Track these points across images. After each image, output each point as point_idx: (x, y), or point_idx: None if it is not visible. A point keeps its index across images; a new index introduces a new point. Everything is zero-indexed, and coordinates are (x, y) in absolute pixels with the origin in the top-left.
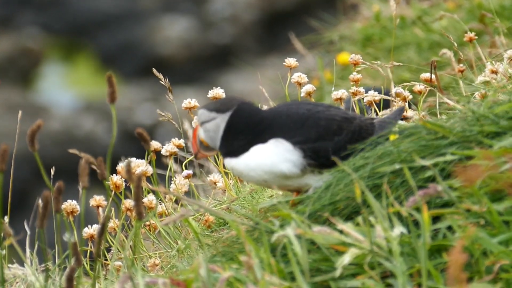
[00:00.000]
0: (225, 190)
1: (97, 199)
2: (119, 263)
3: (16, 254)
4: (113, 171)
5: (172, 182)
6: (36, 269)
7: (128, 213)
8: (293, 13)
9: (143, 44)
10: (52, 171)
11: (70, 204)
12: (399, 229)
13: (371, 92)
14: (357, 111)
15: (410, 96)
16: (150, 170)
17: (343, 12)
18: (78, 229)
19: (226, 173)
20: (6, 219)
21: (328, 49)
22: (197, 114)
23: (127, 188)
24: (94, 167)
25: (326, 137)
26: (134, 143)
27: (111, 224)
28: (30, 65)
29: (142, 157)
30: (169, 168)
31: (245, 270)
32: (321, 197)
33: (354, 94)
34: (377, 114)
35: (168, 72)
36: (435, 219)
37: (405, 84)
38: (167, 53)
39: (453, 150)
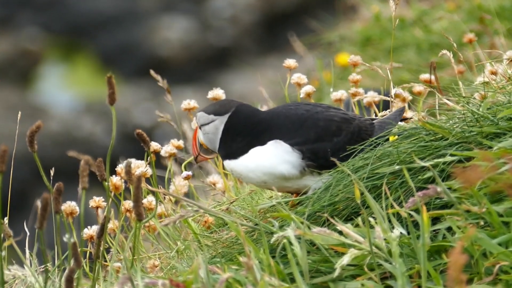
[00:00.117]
0: (224, 191)
1: (97, 200)
2: (118, 264)
3: (16, 255)
4: (113, 172)
5: (172, 183)
6: (36, 270)
7: (128, 214)
8: (293, 14)
9: (142, 44)
10: (52, 172)
11: (69, 205)
12: (398, 230)
13: (371, 93)
14: (356, 112)
15: (410, 97)
16: (149, 171)
17: (343, 13)
18: (78, 230)
19: (226, 174)
20: (6, 220)
21: (328, 50)
22: (196, 117)
23: (127, 189)
24: (93, 168)
25: (325, 138)
26: (133, 144)
27: (110, 225)
28: (29, 65)
29: (141, 158)
30: (168, 169)
31: (244, 271)
32: (321, 198)
33: (354, 95)
34: (376, 115)
35: (168, 72)
36: (435, 220)
37: (404, 85)
38: (167, 53)
39: (453, 151)
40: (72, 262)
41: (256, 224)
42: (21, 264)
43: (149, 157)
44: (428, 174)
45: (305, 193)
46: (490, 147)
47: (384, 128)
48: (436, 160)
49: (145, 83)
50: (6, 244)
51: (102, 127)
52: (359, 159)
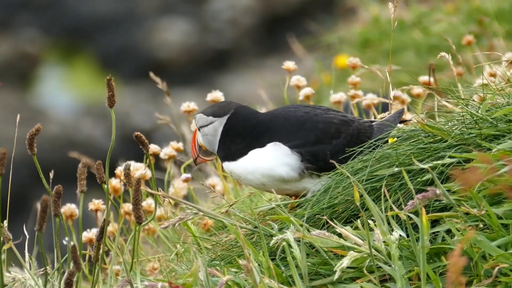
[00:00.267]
0: (223, 194)
1: (96, 203)
2: (118, 267)
3: (15, 258)
4: (112, 174)
5: (171, 185)
6: (35, 273)
7: (127, 217)
8: (292, 16)
9: (141, 47)
10: (51, 175)
11: (69, 208)
12: (398, 233)
13: (370, 96)
14: (355, 114)
15: (409, 99)
16: (148, 173)
17: (342, 15)
18: (77, 233)
19: (225, 177)
20: (5, 223)
21: (327, 52)
22: (195, 119)
23: (126, 191)
24: (92, 170)
25: (324, 140)
26: (133, 146)
27: (110, 228)
28: (28, 68)
29: (140, 161)
30: (167, 171)
31: (244, 274)
32: (320, 200)
33: (353, 97)
34: (375, 117)
35: (167, 74)
36: (434, 222)
37: (403, 87)
38: (166, 56)
39: (452, 153)
40: (71, 265)
41: (256, 227)
42: (20, 267)
43: (148, 160)
44: (427, 176)
45: (304, 195)
46: (489, 149)
47: (383, 130)
48: (435, 162)
49: (145, 85)
50: (5, 247)
51: (102, 129)
52: (358, 161)
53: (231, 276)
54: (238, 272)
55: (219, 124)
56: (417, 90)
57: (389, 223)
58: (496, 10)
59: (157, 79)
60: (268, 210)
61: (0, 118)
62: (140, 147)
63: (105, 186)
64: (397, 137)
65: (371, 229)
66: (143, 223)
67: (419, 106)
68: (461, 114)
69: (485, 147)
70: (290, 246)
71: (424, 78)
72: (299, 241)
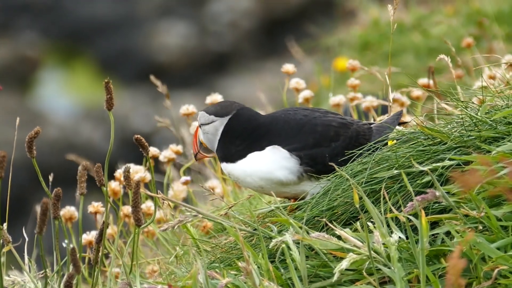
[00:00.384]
0: (223, 196)
1: (95, 206)
2: (117, 269)
3: (15, 261)
4: (111, 177)
5: (170, 188)
6: (35, 276)
7: (126, 219)
8: (292, 19)
9: (141, 50)
10: (50, 178)
11: (68, 211)
12: (397, 235)
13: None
14: (355, 116)
15: (408, 102)
16: (148, 176)
17: (341, 18)
18: (77, 236)
19: (224, 180)
20: (5, 225)
21: (326, 54)
22: (197, 115)
23: (125, 194)
24: (92, 173)
25: (323, 143)
26: (132, 149)
27: (109, 230)
28: (28, 71)
29: (140, 164)
30: (167, 174)
31: (243, 276)
32: (319, 202)
33: (352, 99)
34: (375, 120)
35: (166, 77)
36: (433, 224)
37: (403, 89)
38: (165, 58)
39: (451, 156)
40: (71, 267)
41: (255, 229)
42: (20, 269)
43: (147, 162)
44: (427, 178)
45: (302, 198)
46: (489, 151)
47: (382, 132)
48: (434, 165)
49: (144, 88)
50: (5, 249)
51: (101, 132)
52: (357, 164)
53: (231, 278)
54: (238, 274)
55: (220, 124)
56: (416, 92)
57: (388, 225)
58: (496, 12)
59: (157, 82)
60: (267, 213)
61: (0, 121)
62: (140, 150)
63: (105, 188)
64: (397, 140)
65: (371, 231)
66: (142, 226)
67: (418, 108)
68: (461, 116)
69: (485, 149)
70: (289, 248)
71: (423, 80)
72: (299, 243)
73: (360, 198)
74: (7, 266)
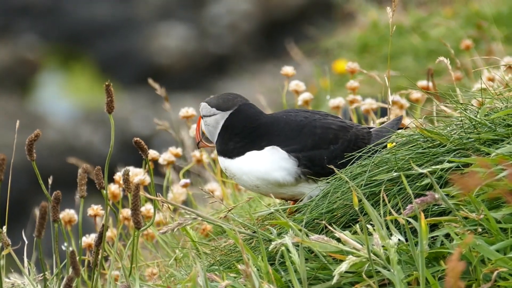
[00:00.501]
0: (222, 199)
1: (95, 209)
2: (117, 272)
3: (14, 264)
4: (111, 180)
5: (170, 191)
6: (34, 279)
7: (126, 222)
8: (291, 22)
9: (140, 52)
10: (50, 181)
11: (68, 213)
12: (396, 237)
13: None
14: (354, 119)
15: (408, 104)
16: (147, 179)
17: (340, 20)
18: (76, 239)
19: (224, 182)
20: (4, 228)
21: (326, 57)
22: (200, 106)
23: (125, 197)
24: (91, 176)
25: (322, 145)
26: (132, 152)
27: (109, 233)
28: (27, 74)
29: (139, 167)
30: (166, 177)
31: (243, 279)
32: (319, 205)
33: (351, 102)
34: (374, 122)
35: (166, 80)
36: (433, 226)
37: (402, 92)
38: (165, 61)
39: (450, 158)
40: (70, 270)
41: (254, 232)
42: (19, 272)
43: (147, 165)
44: (426, 180)
45: (300, 201)
46: (488, 154)
47: (381, 136)
48: (434, 167)
49: (143, 91)
50: (4, 252)
51: (101, 135)
52: (357, 166)
53: (230, 281)
54: (237, 277)
55: (221, 117)
56: (415, 94)
57: (388, 228)
58: (495, 14)
59: (156, 85)
60: (267, 215)
61: None
62: (139, 152)
63: (104, 191)
64: (396, 142)
65: (370, 234)
66: (142, 228)
67: (417, 110)
68: (460, 118)
69: (484, 152)
70: (289, 251)
71: (422, 82)
72: (298, 245)
73: (360, 200)
74: (7, 269)
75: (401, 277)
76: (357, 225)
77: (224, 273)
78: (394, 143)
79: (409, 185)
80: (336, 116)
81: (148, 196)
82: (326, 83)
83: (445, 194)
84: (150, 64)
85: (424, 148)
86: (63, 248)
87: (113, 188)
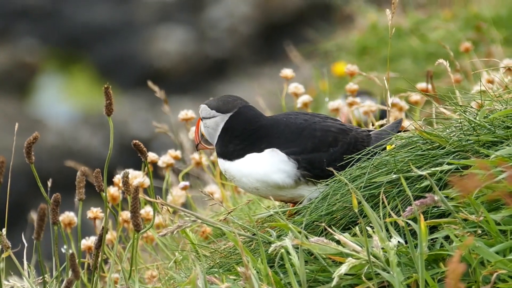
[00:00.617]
0: (222, 201)
1: (94, 211)
2: (116, 275)
3: (14, 267)
4: (110, 183)
5: (169, 193)
6: (34, 282)
7: (125, 224)
8: (290, 24)
9: (139, 55)
10: (49, 184)
11: (67, 216)
12: (396, 239)
13: (368, 103)
14: (353, 121)
15: (407, 106)
16: (147, 181)
17: (339, 23)
18: (76, 241)
19: (223, 185)
20: (4, 231)
21: (325, 59)
22: (199, 108)
23: (124, 200)
24: (90, 179)
25: (321, 148)
26: (131, 155)
27: (108, 236)
28: (26, 77)
29: (138, 169)
30: (166, 179)
31: (242, 281)
32: (318, 207)
33: (351, 104)
34: (373, 124)
35: (165, 83)
36: (432, 228)
37: (401, 94)
38: (164, 64)
39: (450, 160)
40: (70, 273)
41: (254, 234)
42: (19, 275)
43: (146, 168)
44: (426, 183)
45: (300, 203)
46: (487, 156)
47: (381, 139)
48: (433, 169)
49: (143, 94)
50: (4, 255)
51: (100, 138)
52: (356, 168)
53: (230, 283)
54: (237, 279)
55: (220, 120)
56: (415, 97)
57: (387, 230)
58: (494, 16)
59: (155, 88)
60: (266, 217)
61: None
62: (139, 155)
63: (104, 194)
64: (395, 144)
65: (370, 236)
66: (141, 231)
67: (417, 113)
68: (459, 120)
69: (483, 154)
70: (288, 253)
71: (422, 85)
72: (298, 248)
73: (359, 202)
74: (6, 271)
75: (401, 279)
76: (357, 227)
77: (224, 275)
78: (393, 145)
79: (408, 187)
80: (336, 119)
81: (148, 198)
82: (325, 85)
83: (444, 196)
84: (149, 67)
85: (424, 150)
86: (63, 250)
87: (113, 190)
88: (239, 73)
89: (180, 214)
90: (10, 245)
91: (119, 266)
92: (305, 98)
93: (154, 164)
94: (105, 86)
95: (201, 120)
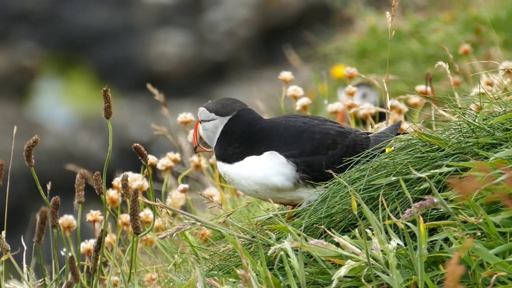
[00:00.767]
0: (221, 204)
1: (94, 214)
2: (116, 278)
3: (14, 270)
4: (109, 186)
5: (169, 196)
6: (34, 285)
7: (125, 227)
8: (289, 27)
9: (138, 59)
10: (49, 187)
11: (67, 219)
12: (395, 241)
13: (366, 105)
14: (352, 124)
15: (406, 109)
16: (146, 184)
17: (339, 26)
18: (75, 244)
19: (222, 187)
20: (3, 234)
21: (324, 62)
22: (198, 111)
23: (124, 202)
24: (90, 182)
25: (320, 151)
26: (130, 158)
27: (108, 238)
28: (25, 81)
29: (137, 173)
30: (165, 182)
31: (242, 284)
32: (317, 209)
33: (350, 107)
34: (372, 126)
35: (164, 86)
36: (432, 231)
37: (401, 97)
38: (163, 67)
39: (449, 162)
40: (69, 276)
41: (253, 237)
42: (19, 278)
43: (145, 170)
44: (425, 185)
45: (299, 205)
46: (486, 158)
47: (379, 142)
48: (432, 171)
49: (142, 98)
50: (3, 258)
51: (99, 142)
52: (355, 171)
53: (229, 286)
54: (236, 282)
55: (220, 123)
56: (414, 99)
57: (386, 232)
58: (493, 19)
59: (154, 90)
60: (265, 220)
61: None
62: (138, 158)
63: (103, 197)
64: (394, 147)
65: (369, 238)
66: (141, 234)
67: (416, 115)
68: (458, 123)
69: (482, 156)
70: (288, 255)
71: (421, 87)
72: (297, 250)
73: (358, 205)
74: (6, 275)
75: (400, 281)
76: (356, 230)
77: (223, 278)
78: (392, 148)
79: (407, 189)
80: (335, 122)
81: (147, 201)
82: (325, 88)
83: (443, 198)
84: (148, 71)
85: (423, 153)
86: (62, 253)
87: (112, 193)
88: (238, 76)
89: (179, 217)
90: (9, 248)
91: (119, 269)
92: (304, 101)
93: (153, 167)
94: (104, 89)
95: (200, 123)
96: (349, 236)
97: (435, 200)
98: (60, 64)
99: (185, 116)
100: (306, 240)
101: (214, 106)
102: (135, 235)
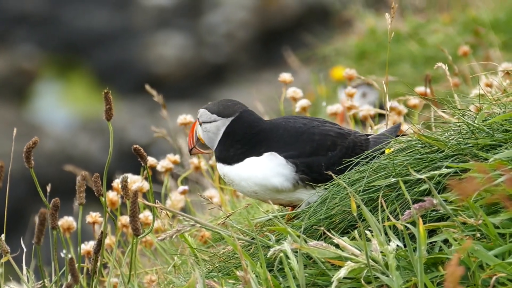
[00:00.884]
0: (221, 206)
1: (93, 216)
2: (116, 279)
3: (13, 271)
4: (109, 187)
5: (168, 198)
6: (33, 286)
7: (124, 229)
8: (288, 29)
9: (138, 61)
10: (48, 189)
11: (66, 221)
12: (395, 243)
13: (366, 107)
14: (352, 125)
15: (405, 110)
16: (145, 186)
17: (338, 27)
18: (75, 246)
19: (222, 189)
20: (3, 236)
21: (323, 64)
22: (198, 112)
23: (123, 204)
24: (89, 184)
25: (320, 152)
26: (129, 161)
27: (107, 240)
28: (25, 83)
29: (137, 175)
30: (164, 184)
31: (241, 285)
32: (317, 211)
33: (349, 108)
34: (372, 128)
35: (163, 89)
36: (431, 232)
37: (400, 98)
38: (162, 70)
39: (448, 163)
40: (69, 278)
41: (253, 238)
42: (18, 280)
43: (145, 172)
44: (424, 186)
45: (299, 207)
46: (486, 159)
47: (379, 143)
48: (432, 173)
49: (141, 100)
50: (3, 260)
51: (98, 144)
52: (355, 172)
53: (229, 287)
54: (236, 283)
55: (222, 124)
56: (413, 100)
57: (386, 234)
58: (492, 20)
59: (153, 92)
60: (265, 222)
61: None
62: (138, 160)
63: (103, 198)
64: (394, 148)
65: (368, 240)
66: (140, 236)
67: (415, 116)
68: (458, 124)
69: (482, 157)
70: (287, 257)
71: (420, 89)
72: (297, 252)
73: (358, 206)
74: (6, 276)
75: (400, 283)
76: (356, 231)
77: (223, 279)
78: (392, 149)
79: (407, 190)
80: (334, 123)
81: (147, 203)
82: (324, 90)
83: (443, 200)
84: (148, 73)
85: (422, 154)
86: (62, 255)
87: (112, 195)
88: (238, 78)
89: (179, 219)
90: (9, 250)
91: (118, 271)
92: (304, 102)
93: (153, 168)
94: (105, 91)
95: (200, 124)
96: (348, 237)
97: (435, 201)
98: (59, 67)
99: (185, 117)
100: (305, 241)
101: (216, 108)
102: (134, 237)
